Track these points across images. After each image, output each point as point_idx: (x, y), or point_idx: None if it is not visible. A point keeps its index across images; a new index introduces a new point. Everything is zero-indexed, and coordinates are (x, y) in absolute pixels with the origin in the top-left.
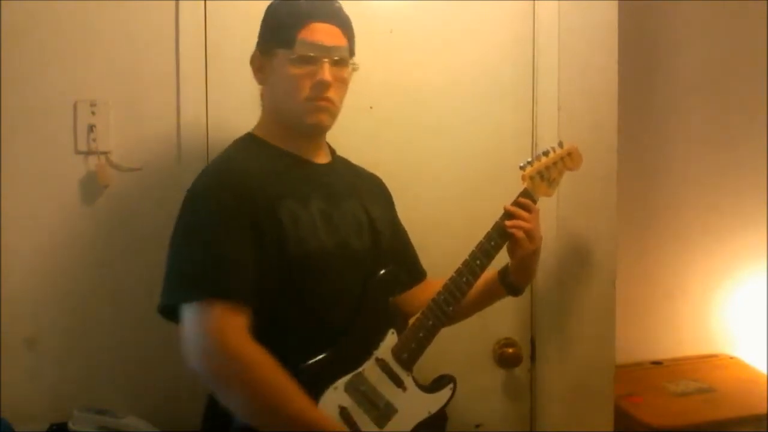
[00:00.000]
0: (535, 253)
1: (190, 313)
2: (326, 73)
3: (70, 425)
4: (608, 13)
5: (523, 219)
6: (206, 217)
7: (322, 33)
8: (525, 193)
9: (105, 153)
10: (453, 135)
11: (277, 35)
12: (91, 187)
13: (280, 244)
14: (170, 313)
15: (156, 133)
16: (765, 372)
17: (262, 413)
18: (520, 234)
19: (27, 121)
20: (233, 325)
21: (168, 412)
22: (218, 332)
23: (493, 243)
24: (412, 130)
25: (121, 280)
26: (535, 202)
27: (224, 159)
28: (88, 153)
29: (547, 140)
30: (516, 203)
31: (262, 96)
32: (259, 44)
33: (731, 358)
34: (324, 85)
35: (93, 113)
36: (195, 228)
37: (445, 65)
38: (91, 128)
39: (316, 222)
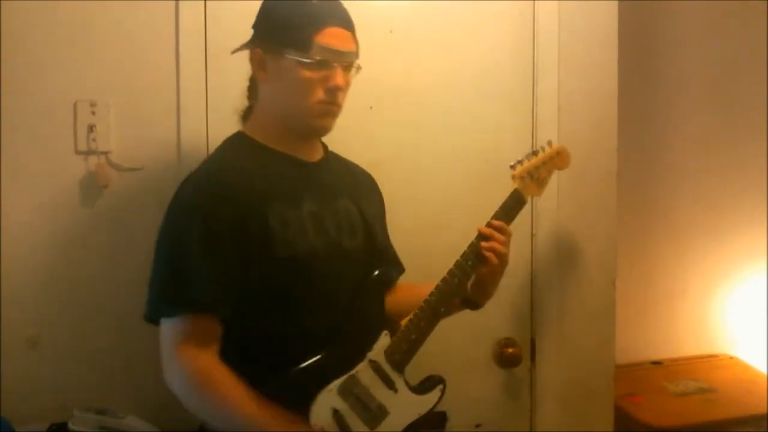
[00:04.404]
0: (500, 274)
1: (163, 329)
2: (340, 78)
3: (70, 425)
4: (608, 13)
5: (498, 242)
6: (187, 227)
7: (338, 38)
8: (515, 194)
9: (105, 153)
10: (453, 135)
11: (289, 36)
12: (91, 187)
13: (267, 247)
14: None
15: (156, 133)
16: (765, 372)
17: (224, 422)
18: (494, 260)
19: (27, 121)
20: (196, 347)
21: (168, 412)
22: (181, 353)
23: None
24: (412, 130)
25: (121, 280)
26: (525, 201)
27: (213, 163)
28: (88, 153)
29: (547, 140)
30: (490, 225)
31: (259, 94)
32: (262, 41)
33: (731, 358)
34: (338, 91)
35: (93, 113)
36: (175, 239)
37: (445, 65)
38: (91, 128)
39: (306, 224)
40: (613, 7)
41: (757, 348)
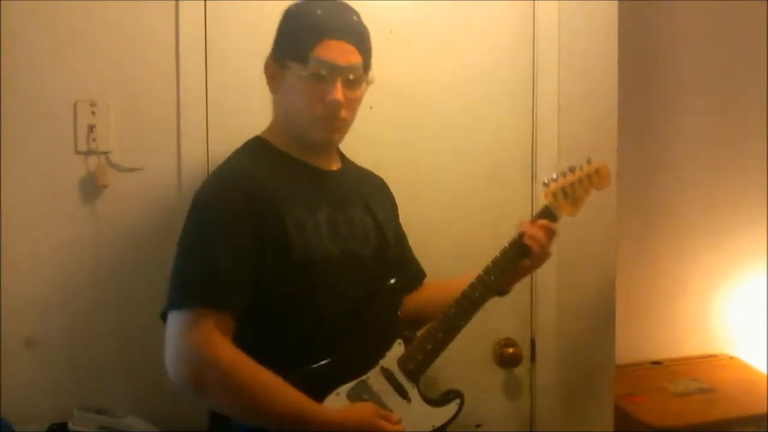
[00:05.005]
0: (538, 266)
1: (174, 320)
2: (339, 93)
3: (70, 425)
4: (608, 13)
5: (541, 237)
6: (208, 225)
7: (337, 51)
8: (545, 210)
9: (105, 153)
10: (453, 135)
11: (290, 47)
12: (91, 187)
13: (284, 251)
14: None
15: (156, 133)
16: (765, 372)
17: (252, 412)
18: (537, 248)
19: (27, 121)
20: (215, 336)
21: (168, 412)
22: (199, 342)
23: (510, 260)
24: (412, 130)
25: (121, 280)
26: (556, 219)
27: (234, 164)
28: (88, 153)
29: (547, 140)
30: (535, 224)
31: (274, 102)
32: (273, 51)
33: (731, 358)
34: (336, 106)
35: (93, 113)
36: (196, 235)
37: (445, 65)
38: (91, 128)
39: (322, 230)
40: (613, 7)
41: (757, 348)
